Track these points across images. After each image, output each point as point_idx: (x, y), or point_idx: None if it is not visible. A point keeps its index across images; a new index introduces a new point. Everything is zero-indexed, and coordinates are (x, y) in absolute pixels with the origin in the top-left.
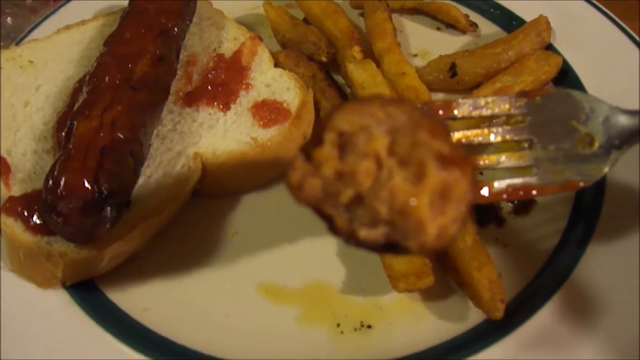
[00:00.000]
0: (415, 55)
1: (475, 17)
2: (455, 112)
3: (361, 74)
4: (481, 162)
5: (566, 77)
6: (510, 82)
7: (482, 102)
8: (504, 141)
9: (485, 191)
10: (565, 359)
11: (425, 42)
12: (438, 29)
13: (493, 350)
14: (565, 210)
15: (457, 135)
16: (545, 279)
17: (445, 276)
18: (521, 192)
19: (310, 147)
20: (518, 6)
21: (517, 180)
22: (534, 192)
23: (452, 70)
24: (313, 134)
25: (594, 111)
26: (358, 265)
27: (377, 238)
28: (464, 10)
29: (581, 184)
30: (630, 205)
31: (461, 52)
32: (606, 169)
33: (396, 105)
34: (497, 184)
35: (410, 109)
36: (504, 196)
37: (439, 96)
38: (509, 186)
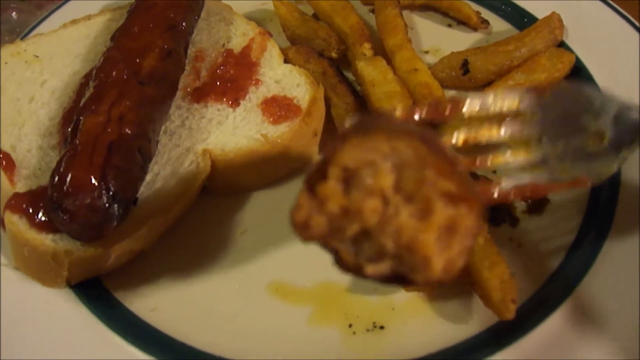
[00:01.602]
0: (426, 52)
1: (486, 14)
2: (464, 110)
3: (371, 71)
4: (488, 162)
5: (579, 74)
6: (522, 79)
7: (490, 98)
8: (513, 138)
9: (493, 191)
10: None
11: (436, 39)
12: (449, 25)
13: (506, 353)
14: (580, 209)
15: (464, 134)
16: (560, 280)
17: (457, 276)
18: (529, 191)
19: (314, 181)
20: (529, 3)
21: (525, 179)
22: (542, 190)
23: (465, 67)
24: (316, 165)
25: (604, 107)
26: None
27: (383, 272)
28: (475, 7)
29: (590, 182)
30: None
31: (473, 49)
32: (615, 167)
33: (402, 139)
34: (505, 183)
35: (418, 143)
36: (512, 195)
37: (450, 93)
38: (517, 185)
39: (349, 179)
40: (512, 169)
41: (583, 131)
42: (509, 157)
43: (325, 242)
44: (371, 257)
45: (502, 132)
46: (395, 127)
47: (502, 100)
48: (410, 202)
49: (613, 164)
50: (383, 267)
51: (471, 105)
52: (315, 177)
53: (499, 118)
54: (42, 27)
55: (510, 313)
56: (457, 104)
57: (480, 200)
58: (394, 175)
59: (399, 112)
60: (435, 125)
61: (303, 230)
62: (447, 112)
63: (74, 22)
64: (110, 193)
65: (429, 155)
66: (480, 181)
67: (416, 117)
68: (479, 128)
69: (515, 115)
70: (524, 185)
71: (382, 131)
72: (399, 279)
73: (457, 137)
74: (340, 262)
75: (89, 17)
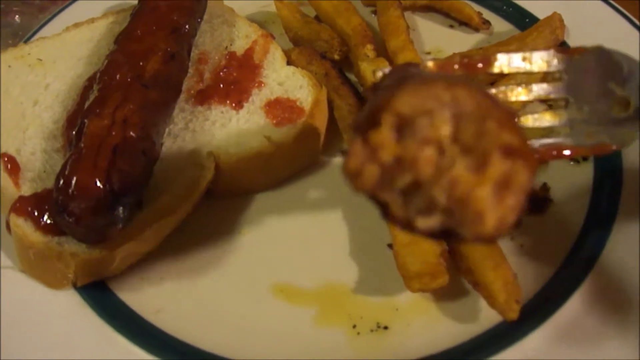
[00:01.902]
0: (428, 53)
1: (487, 14)
2: (495, 67)
3: None
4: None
5: None
6: (524, 79)
7: (521, 57)
8: (540, 99)
9: None
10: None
11: (438, 40)
12: (451, 26)
13: (510, 352)
14: (582, 209)
15: (492, 91)
16: (563, 279)
17: (460, 276)
18: (554, 152)
19: (366, 128)
20: (531, 3)
21: (551, 140)
22: (567, 152)
23: None
24: (369, 112)
25: (632, 74)
26: (373, 265)
27: (433, 226)
28: (477, 7)
29: (613, 147)
30: None
31: (475, 50)
32: (638, 135)
33: (463, 88)
34: (532, 144)
35: (479, 94)
36: (537, 155)
37: None
38: (542, 145)
39: (403, 127)
40: (538, 131)
41: (609, 96)
42: (535, 119)
43: (375, 193)
44: (421, 209)
45: (530, 93)
46: (454, 76)
47: (531, 60)
48: (467, 154)
49: (636, 131)
50: (433, 221)
51: (501, 63)
52: (367, 126)
53: (527, 79)
54: (45, 30)
55: (514, 313)
56: (489, 60)
57: (535, 157)
58: (452, 124)
59: (430, 65)
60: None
61: (355, 179)
62: (478, 68)
63: (77, 25)
64: (115, 196)
65: (492, 106)
66: None
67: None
68: (507, 88)
69: (544, 76)
70: (550, 145)
71: (442, 79)
72: (447, 234)
73: None
74: (389, 215)
75: (92, 20)
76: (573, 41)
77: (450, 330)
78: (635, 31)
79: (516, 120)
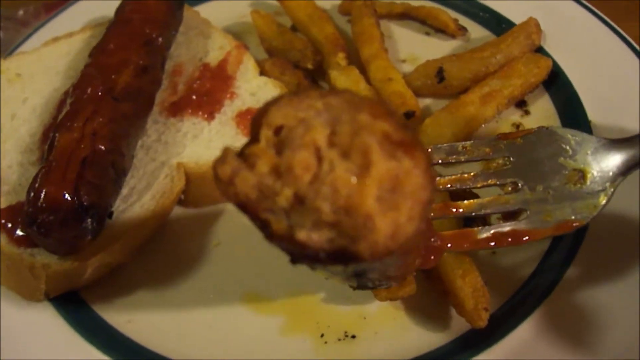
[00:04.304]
0: (404, 61)
1: (464, 21)
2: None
3: (344, 81)
4: (462, 209)
5: (556, 79)
6: (498, 86)
7: (459, 147)
8: (487, 186)
9: (468, 239)
10: None
11: (414, 48)
12: (427, 33)
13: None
14: None
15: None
16: (533, 288)
17: (430, 284)
18: (510, 239)
19: (245, 147)
20: (508, 9)
21: (505, 227)
22: (525, 238)
23: (440, 75)
24: (250, 130)
25: (580, 145)
26: None
27: (320, 243)
28: (453, 14)
29: (576, 223)
30: (619, 215)
31: (449, 57)
32: (603, 203)
33: (335, 94)
34: (483, 232)
35: (350, 95)
36: (492, 244)
37: (426, 101)
38: (496, 233)
39: (283, 144)
40: (492, 217)
41: (562, 171)
42: (485, 204)
43: (254, 210)
44: (307, 227)
45: (476, 179)
46: (328, 89)
47: (471, 147)
48: (347, 158)
49: (599, 200)
50: (319, 237)
51: (439, 153)
52: (247, 145)
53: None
54: (26, 45)
55: (482, 321)
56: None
57: (425, 150)
58: (327, 129)
59: None
60: None
61: (227, 186)
62: None
63: (55, 39)
64: (84, 207)
65: (363, 101)
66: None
67: None
68: (451, 177)
69: (488, 163)
70: (505, 232)
71: (314, 90)
72: (341, 256)
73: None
74: (271, 235)
75: (70, 35)
76: (550, 46)
77: (418, 338)
78: (611, 33)
79: (392, 111)
